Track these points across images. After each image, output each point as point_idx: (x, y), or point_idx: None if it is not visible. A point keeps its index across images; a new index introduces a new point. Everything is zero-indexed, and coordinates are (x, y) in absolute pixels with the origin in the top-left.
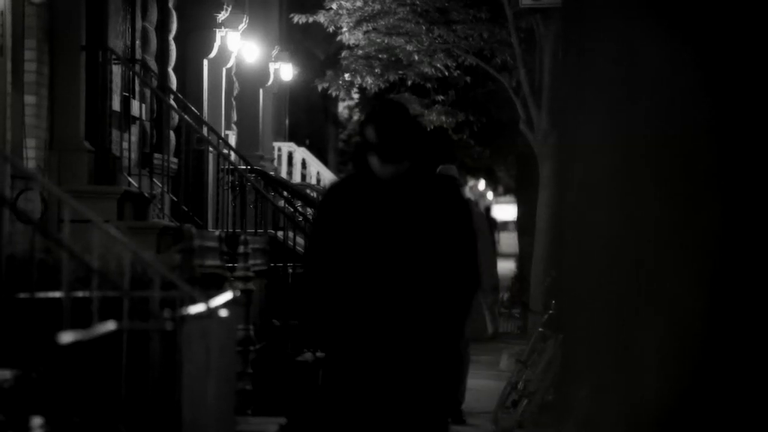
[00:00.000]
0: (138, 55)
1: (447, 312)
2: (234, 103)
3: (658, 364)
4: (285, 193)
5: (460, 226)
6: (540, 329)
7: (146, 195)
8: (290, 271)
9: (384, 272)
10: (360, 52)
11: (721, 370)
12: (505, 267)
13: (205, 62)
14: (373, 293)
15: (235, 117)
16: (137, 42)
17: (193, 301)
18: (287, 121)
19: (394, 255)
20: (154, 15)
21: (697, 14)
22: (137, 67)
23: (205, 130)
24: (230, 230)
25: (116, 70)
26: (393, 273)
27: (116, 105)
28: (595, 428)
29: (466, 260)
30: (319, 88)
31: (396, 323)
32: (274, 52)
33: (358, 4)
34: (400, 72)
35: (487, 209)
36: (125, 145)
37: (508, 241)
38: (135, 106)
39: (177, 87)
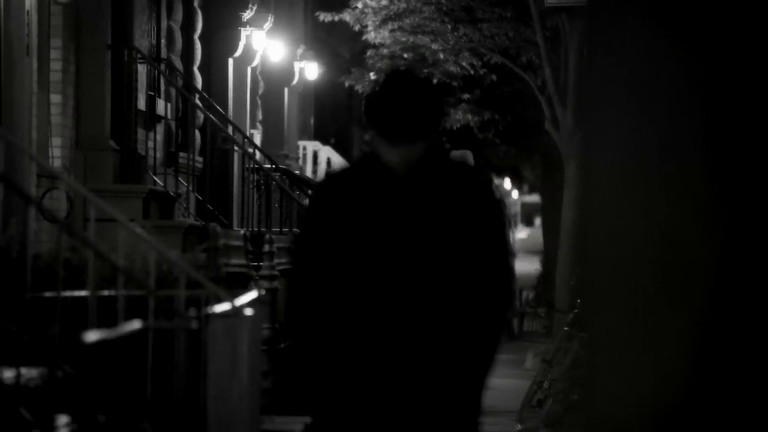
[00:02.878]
0: (163, 54)
1: (474, 343)
2: (259, 102)
3: (682, 365)
4: (310, 192)
5: (492, 229)
6: (565, 328)
7: (171, 194)
8: None
9: (394, 290)
10: (385, 50)
11: (745, 370)
12: (531, 267)
13: (231, 61)
14: (380, 319)
15: (260, 116)
16: (162, 41)
17: (219, 300)
18: (312, 120)
19: (406, 267)
20: (179, 14)
21: (720, 20)
22: (162, 66)
23: (230, 129)
24: (255, 229)
25: (142, 69)
26: (405, 290)
27: (142, 104)
28: (616, 429)
29: (498, 273)
30: (346, 84)
31: (409, 358)
32: (300, 51)
33: (384, 2)
34: (426, 70)
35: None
36: (150, 144)
37: (534, 237)
38: (160, 105)
39: (202, 86)
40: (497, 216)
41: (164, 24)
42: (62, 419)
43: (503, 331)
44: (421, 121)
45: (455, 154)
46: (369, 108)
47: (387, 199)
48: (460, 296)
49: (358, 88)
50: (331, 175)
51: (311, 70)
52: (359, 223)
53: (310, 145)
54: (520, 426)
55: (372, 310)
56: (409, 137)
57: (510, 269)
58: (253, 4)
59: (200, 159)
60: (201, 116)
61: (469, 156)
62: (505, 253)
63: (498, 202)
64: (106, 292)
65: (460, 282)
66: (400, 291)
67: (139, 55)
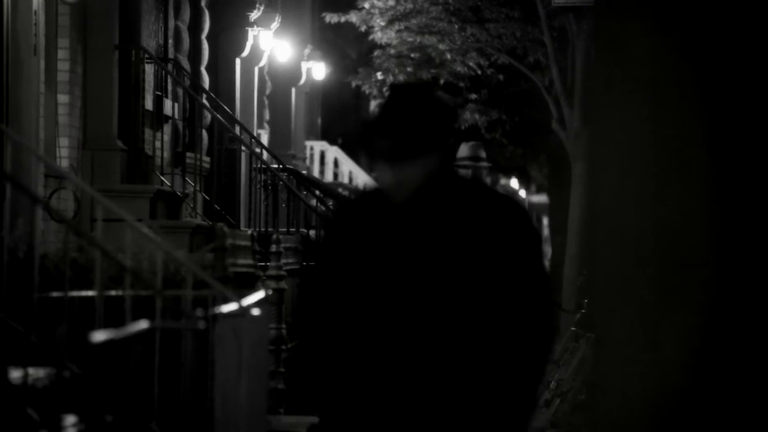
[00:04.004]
0: (171, 54)
1: (516, 388)
2: (266, 102)
3: (688, 362)
4: (317, 192)
5: (519, 261)
6: (573, 328)
7: (179, 194)
8: None
9: (397, 338)
10: (392, 51)
11: (750, 369)
12: None
13: (238, 61)
14: (390, 368)
15: (267, 116)
16: (170, 41)
17: (226, 300)
18: (320, 120)
19: (408, 307)
20: (186, 14)
21: (726, 16)
22: (170, 66)
23: (237, 129)
24: (262, 229)
25: (149, 70)
26: (410, 338)
27: (149, 104)
28: (622, 427)
29: (535, 311)
30: (353, 84)
31: (429, 411)
32: (307, 51)
33: (391, 3)
34: (433, 71)
35: None
36: (158, 144)
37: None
38: (167, 105)
39: (209, 86)
40: (525, 245)
41: (171, 24)
42: (69, 419)
43: (545, 369)
44: (415, 135)
45: (465, 147)
46: (363, 131)
47: (385, 231)
48: (489, 342)
49: (365, 88)
50: (343, 202)
51: (318, 70)
52: (358, 257)
53: (318, 145)
54: None
55: (380, 358)
56: (403, 154)
57: (549, 306)
58: (260, 4)
59: (207, 159)
60: (208, 116)
61: (478, 148)
62: (539, 288)
63: (526, 229)
64: (113, 292)
65: (485, 326)
66: (404, 339)
67: (146, 55)
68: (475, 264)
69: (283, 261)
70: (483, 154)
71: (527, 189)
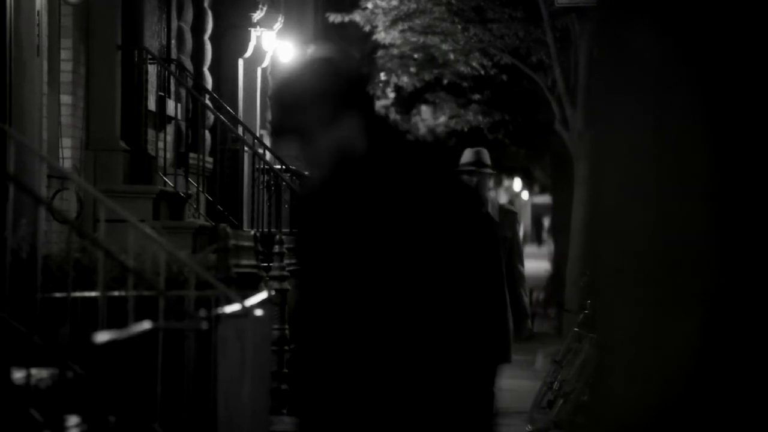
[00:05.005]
0: (173, 54)
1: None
2: (269, 102)
3: (690, 363)
4: None
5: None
6: (575, 329)
7: (182, 194)
8: None
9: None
10: (395, 51)
11: (753, 370)
12: (540, 267)
13: (241, 62)
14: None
15: (270, 116)
16: (173, 42)
17: (229, 301)
18: None
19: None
20: (189, 15)
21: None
22: (173, 67)
23: (240, 130)
24: (265, 230)
25: (152, 70)
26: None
27: (152, 105)
28: (625, 428)
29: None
30: None
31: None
32: (310, 52)
33: (394, 3)
34: (436, 71)
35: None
36: (161, 144)
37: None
38: (170, 106)
39: (212, 86)
40: (458, 230)
41: (174, 25)
42: (72, 420)
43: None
44: (295, 107)
45: (469, 152)
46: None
47: (319, 221)
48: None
49: (368, 88)
50: (295, 199)
51: None
52: (313, 253)
53: None
54: (530, 427)
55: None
56: (289, 129)
57: (493, 298)
58: (263, 5)
59: (210, 159)
60: (211, 117)
61: (482, 154)
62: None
63: (459, 210)
64: (116, 293)
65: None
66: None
67: (149, 56)
68: (406, 246)
69: (286, 261)
70: (487, 160)
71: (530, 189)
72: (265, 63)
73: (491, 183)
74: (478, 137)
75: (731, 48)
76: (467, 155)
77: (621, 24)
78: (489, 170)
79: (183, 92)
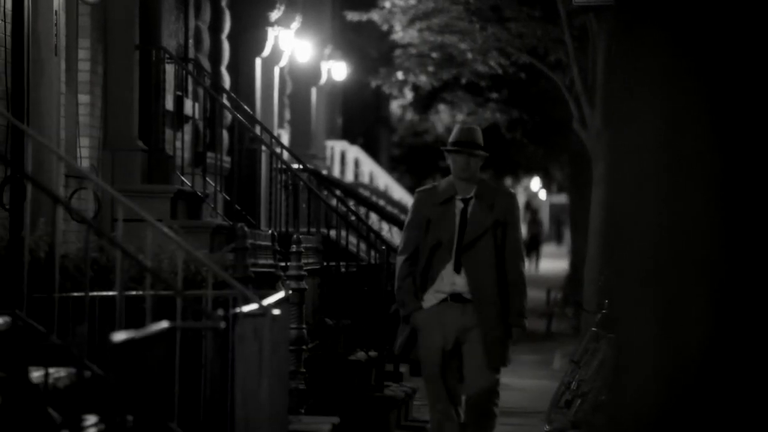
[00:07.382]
0: (191, 54)
1: None
2: (287, 101)
3: (706, 361)
4: (338, 192)
5: None
6: (593, 329)
7: (199, 194)
8: (343, 270)
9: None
10: (413, 50)
11: (763, 364)
12: (559, 266)
13: (258, 61)
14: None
15: (287, 116)
16: (190, 41)
17: (246, 300)
18: (340, 120)
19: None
20: (207, 14)
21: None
22: (190, 66)
23: (257, 129)
24: (283, 229)
25: (169, 69)
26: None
27: (169, 104)
28: (641, 427)
29: None
30: (373, 84)
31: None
32: (327, 51)
33: (412, 2)
34: (454, 70)
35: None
36: (178, 144)
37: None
38: (188, 105)
39: (230, 86)
40: None
41: (192, 24)
42: (90, 419)
43: None
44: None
45: (458, 129)
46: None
47: None
48: None
49: (386, 88)
50: None
51: (339, 70)
52: None
53: (338, 145)
54: (548, 426)
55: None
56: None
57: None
58: (281, 4)
59: (228, 159)
60: (229, 116)
61: (473, 133)
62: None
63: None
64: (133, 293)
65: None
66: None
67: (167, 55)
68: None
69: (304, 261)
70: (479, 140)
71: (548, 189)
72: (283, 62)
73: (481, 163)
74: (496, 135)
75: (742, 57)
76: (455, 133)
77: (638, 23)
78: (482, 152)
79: (201, 92)
